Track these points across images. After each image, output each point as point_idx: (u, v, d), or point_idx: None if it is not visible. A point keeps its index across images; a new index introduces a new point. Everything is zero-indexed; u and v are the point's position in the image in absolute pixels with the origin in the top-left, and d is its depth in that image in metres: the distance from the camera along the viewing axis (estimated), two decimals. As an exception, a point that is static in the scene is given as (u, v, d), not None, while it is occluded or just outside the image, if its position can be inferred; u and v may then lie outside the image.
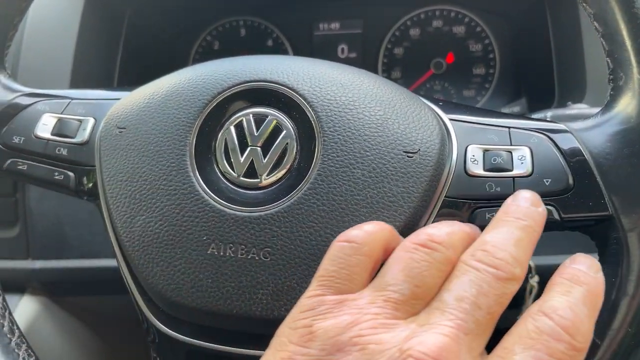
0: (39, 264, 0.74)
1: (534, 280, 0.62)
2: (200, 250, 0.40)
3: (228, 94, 0.42)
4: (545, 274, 0.40)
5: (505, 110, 0.80)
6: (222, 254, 0.40)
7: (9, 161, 0.46)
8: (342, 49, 0.91)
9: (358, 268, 0.34)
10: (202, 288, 0.40)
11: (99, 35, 0.77)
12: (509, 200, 0.37)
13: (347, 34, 0.91)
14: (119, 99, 0.48)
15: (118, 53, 0.80)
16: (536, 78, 0.80)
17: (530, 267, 0.62)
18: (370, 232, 0.35)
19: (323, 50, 0.91)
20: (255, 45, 0.93)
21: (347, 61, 0.90)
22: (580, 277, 0.33)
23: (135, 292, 0.44)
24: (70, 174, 0.46)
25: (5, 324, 0.46)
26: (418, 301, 0.32)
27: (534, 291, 0.62)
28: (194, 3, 0.88)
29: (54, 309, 0.80)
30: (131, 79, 0.82)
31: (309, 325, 0.32)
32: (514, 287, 0.32)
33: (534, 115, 0.56)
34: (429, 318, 0.31)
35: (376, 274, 0.35)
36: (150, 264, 0.41)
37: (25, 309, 0.76)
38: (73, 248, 0.75)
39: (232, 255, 0.40)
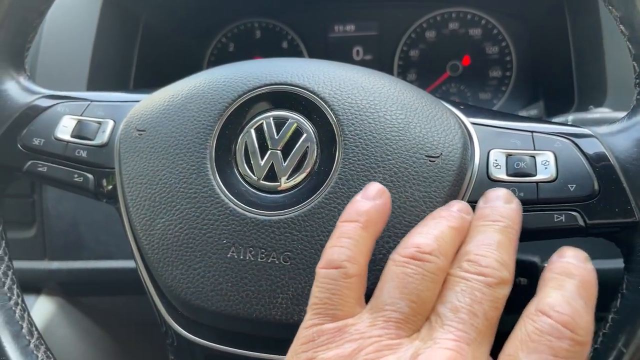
0: (55, 265, 0.74)
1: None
2: (220, 253, 0.40)
3: (248, 97, 0.42)
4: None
5: (523, 113, 0.80)
6: (242, 257, 0.40)
7: (29, 163, 0.47)
8: (357, 51, 0.91)
9: (348, 290, 0.33)
10: (221, 292, 0.40)
11: (116, 37, 0.77)
12: (480, 202, 0.37)
13: (362, 36, 0.90)
14: (138, 101, 0.48)
15: (134, 55, 0.80)
16: (554, 81, 0.79)
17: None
18: (350, 248, 0.34)
19: (338, 52, 0.91)
20: (270, 47, 0.93)
21: (362, 63, 0.90)
22: (571, 269, 0.33)
23: (154, 295, 0.44)
24: (90, 176, 0.46)
25: (24, 325, 0.46)
26: (418, 317, 0.32)
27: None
28: (209, 5, 0.88)
29: (69, 310, 0.80)
30: (147, 81, 0.82)
31: (312, 358, 0.32)
32: (506, 291, 0.32)
33: (555, 119, 0.56)
34: (431, 334, 0.31)
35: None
36: (169, 267, 0.41)
37: (41, 309, 0.76)
38: (89, 249, 0.75)
39: (252, 259, 0.40)
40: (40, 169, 0.46)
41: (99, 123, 0.47)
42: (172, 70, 0.90)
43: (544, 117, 0.76)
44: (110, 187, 0.46)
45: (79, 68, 0.72)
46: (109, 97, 0.49)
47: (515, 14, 0.84)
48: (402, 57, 0.89)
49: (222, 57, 0.94)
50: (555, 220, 0.39)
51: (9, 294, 0.47)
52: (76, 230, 0.74)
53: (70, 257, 0.75)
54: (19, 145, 0.47)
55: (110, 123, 0.47)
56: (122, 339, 0.90)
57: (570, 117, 0.54)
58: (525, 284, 0.54)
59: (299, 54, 0.92)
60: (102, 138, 0.46)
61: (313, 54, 0.91)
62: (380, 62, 0.90)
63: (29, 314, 0.47)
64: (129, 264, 0.77)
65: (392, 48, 0.89)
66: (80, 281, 0.76)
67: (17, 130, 0.47)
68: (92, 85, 0.72)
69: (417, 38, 0.88)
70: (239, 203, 0.40)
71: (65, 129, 0.47)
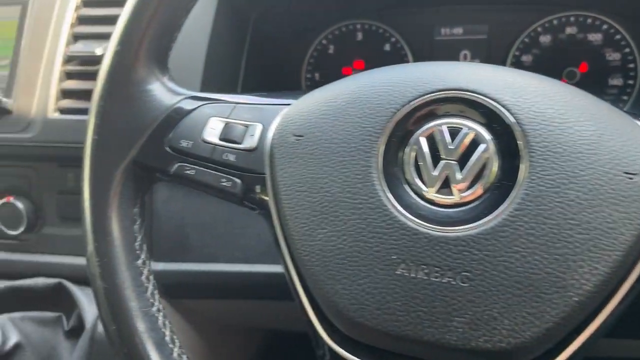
0: (160, 266, 0.74)
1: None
2: (388, 269, 0.38)
3: (419, 102, 0.39)
4: None
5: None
6: (413, 275, 0.37)
7: (176, 165, 0.45)
8: (465, 55, 0.87)
9: None
10: (389, 310, 0.37)
11: (228, 39, 0.76)
12: None
13: (470, 40, 0.87)
14: (284, 104, 0.45)
15: (243, 56, 0.79)
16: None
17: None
18: None
19: (444, 55, 0.87)
20: (371, 49, 0.90)
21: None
22: None
23: (308, 308, 0.41)
24: (238, 180, 0.44)
25: (167, 333, 0.45)
26: None
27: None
28: (314, 6, 0.86)
29: (169, 312, 0.79)
30: (254, 83, 0.81)
31: None
32: None
33: None
34: None
35: None
36: (331, 280, 0.39)
37: (144, 309, 0.76)
38: (194, 251, 0.74)
39: (425, 277, 0.37)
40: (188, 171, 0.45)
41: (246, 126, 0.45)
42: (273, 72, 0.89)
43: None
44: (260, 193, 0.44)
45: (193, 70, 0.71)
46: (254, 100, 0.47)
47: (643, 18, 0.79)
48: (513, 63, 0.85)
49: (321, 59, 0.92)
50: None
51: (151, 300, 0.45)
52: (182, 231, 0.74)
53: (175, 259, 0.74)
54: (166, 148, 0.45)
55: (259, 126, 0.45)
56: (216, 344, 0.89)
57: None
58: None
59: (402, 57, 0.89)
60: (251, 142, 0.44)
61: (418, 57, 0.88)
62: (489, 67, 0.86)
63: (170, 321, 0.46)
64: (230, 267, 0.76)
65: (503, 53, 0.85)
66: (182, 283, 0.75)
67: (163, 132, 0.46)
68: (205, 88, 0.71)
69: (530, 43, 0.84)
70: (410, 216, 0.38)
71: (212, 132, 0.45)
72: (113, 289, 0.44)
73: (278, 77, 0.90)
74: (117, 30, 0.46)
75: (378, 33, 0.90)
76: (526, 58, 0.85)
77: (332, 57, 0.92)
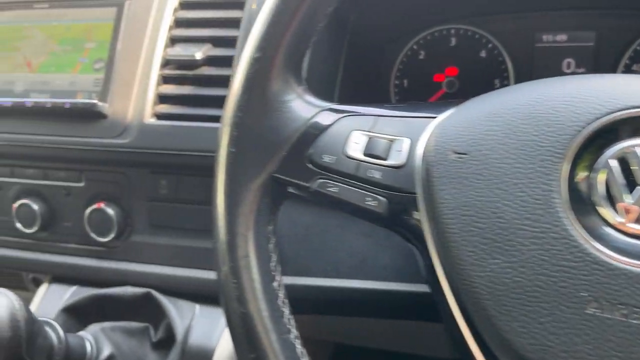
0: (253, 279, 0.71)
1: None
2: (576, 308, 0.34)
3: (608, 120, 0.35)
4: None
5: None
6: (607, 316, 0.33)
7: (318, 181, 0.42)
8: (568, 64, 0.82)
9: None
10: (577, 354, 0.33)
11: (327, 46, 0.73)
12: None
13: (575, 47, 0.82)
14: (432, 117, 0.42)
15: (341, 63, 0.76)
16: None
17: None
18: None
19: (545, 63, 0.82)
20: (465, 55, 0.86)
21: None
22: None
23: (470, 341, 0.38)
24: (383, 199, 0.41)
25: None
26: None
27: None
28: (411, 10, 0.82)
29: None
30: (348, 90, 0.77)
31: None
32: None
33: None
34: None
35: None
36: (505, 317, 0.35)
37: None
38: (286, 264, 0.71)
39: (622, 319, 0.33)
40: (331, 189, 0.42)
41: (391, 140, 0.42)
42: (363, 79, 0.85)
43: None
44: (411, 214, 0.40)
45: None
46: (396, 112, 0.44)
47: None
48: (624, 72, 0.79)
49: (411, 66, 0.88)
50: None
51: (288, 326, 0.42)
52: (278, 244, 0.71)
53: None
54: (307, 163, 0.42)
55: (406, 141, 0.41)
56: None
57: None
58: None
59: (499, 64, 0.84)
60: (398, 158, 0.41)
61: (517, 65, 0.83)
62: (596, 77, 0.80)
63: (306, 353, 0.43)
64: (322, 282, 0.73)
65: (612, 62, 0.80)
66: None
67: (304, 146, 0.43)
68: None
69: (643, 51, 0.78)
70: (603, 249, 0.34)
71: (356, 146, 0.42)
72: (250, 314, 0.41)
73: (367, 84, 0.87)
74: (254, 36, 0.43)
75: (474, 38, 0.85)
76: (638, 67, 0.79)
77: (422, 63, 0.88)
